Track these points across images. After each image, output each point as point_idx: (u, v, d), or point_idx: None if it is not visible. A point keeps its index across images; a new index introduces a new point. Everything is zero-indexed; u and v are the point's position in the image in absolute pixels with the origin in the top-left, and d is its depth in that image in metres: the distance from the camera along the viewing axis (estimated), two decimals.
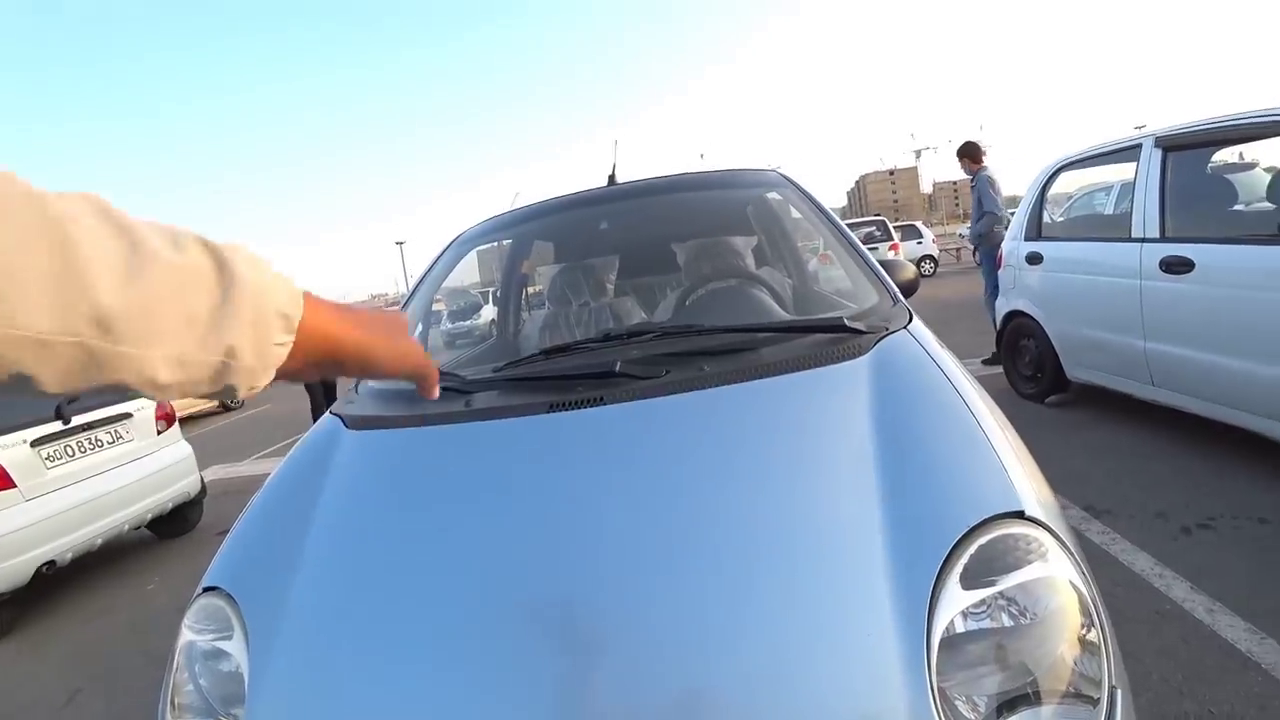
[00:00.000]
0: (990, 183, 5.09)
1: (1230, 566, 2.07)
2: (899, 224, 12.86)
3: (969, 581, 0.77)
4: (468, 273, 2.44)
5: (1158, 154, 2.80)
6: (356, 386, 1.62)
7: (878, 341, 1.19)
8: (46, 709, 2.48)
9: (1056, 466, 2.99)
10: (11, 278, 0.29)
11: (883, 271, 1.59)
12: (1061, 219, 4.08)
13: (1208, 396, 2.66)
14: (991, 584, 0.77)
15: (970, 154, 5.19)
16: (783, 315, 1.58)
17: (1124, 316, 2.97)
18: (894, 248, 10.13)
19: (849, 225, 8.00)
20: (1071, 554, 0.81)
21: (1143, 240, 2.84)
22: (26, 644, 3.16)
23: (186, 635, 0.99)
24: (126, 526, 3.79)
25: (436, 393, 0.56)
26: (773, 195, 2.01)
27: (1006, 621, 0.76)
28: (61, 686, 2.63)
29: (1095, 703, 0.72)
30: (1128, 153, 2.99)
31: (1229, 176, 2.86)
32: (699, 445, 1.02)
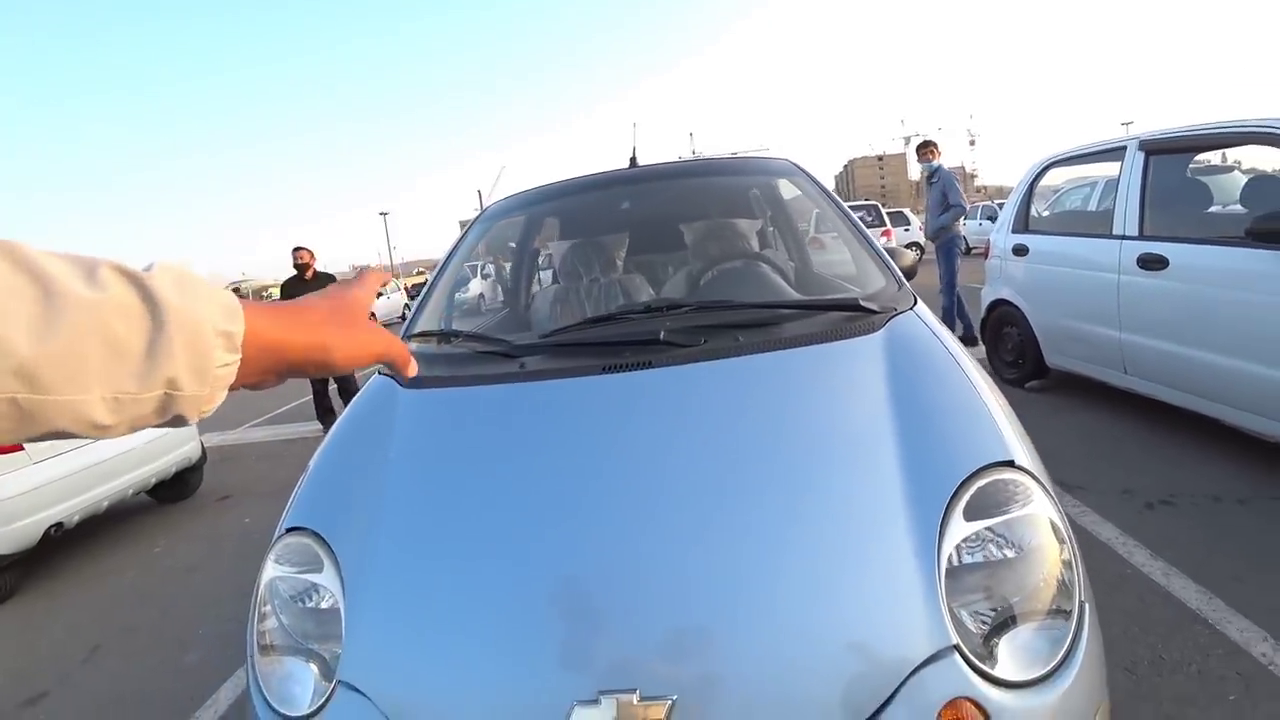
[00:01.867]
0: (954, 177, 5.35)
1: (1186, 537, 2.29)
2: (888, 210, 12.98)
3: (971, 515, 0.92)
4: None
5: (1140, 156, 2.97)
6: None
7: (889, 320, 1.33)
8: (67, 663, 2.56)
9: (1034, 445, 3.20)
10: None
11: (889, 257, 1.72)
12: (1047, 212, 4.26)
13: (1176, 386, 2.87)
14: (989, 518, 0.92)
15: (932, 146, 5.44)
16: (794, 295, 1.72)
17: (1102, 309, 3.17)
18: (887, 233, 9.98)
19: (853, 206, 8.10)
20: (1052, 497, 0.97)
21: (1122, 237, 3.02)
22: (40, 603, 3.22)
23: (274, 571, 1.07)
24: (131, 490, 3.84)
25: (412, 370, 0.54)
26: (784, 182, 2.12)
27: (999, 553, 0.92)
28: (78, 643, 2.71)
29: (1068, 615, 0.89)
30: (1113, 154, 3.16)
31: (1206, 179, 3.04)
32: (741, 404, 1.16)
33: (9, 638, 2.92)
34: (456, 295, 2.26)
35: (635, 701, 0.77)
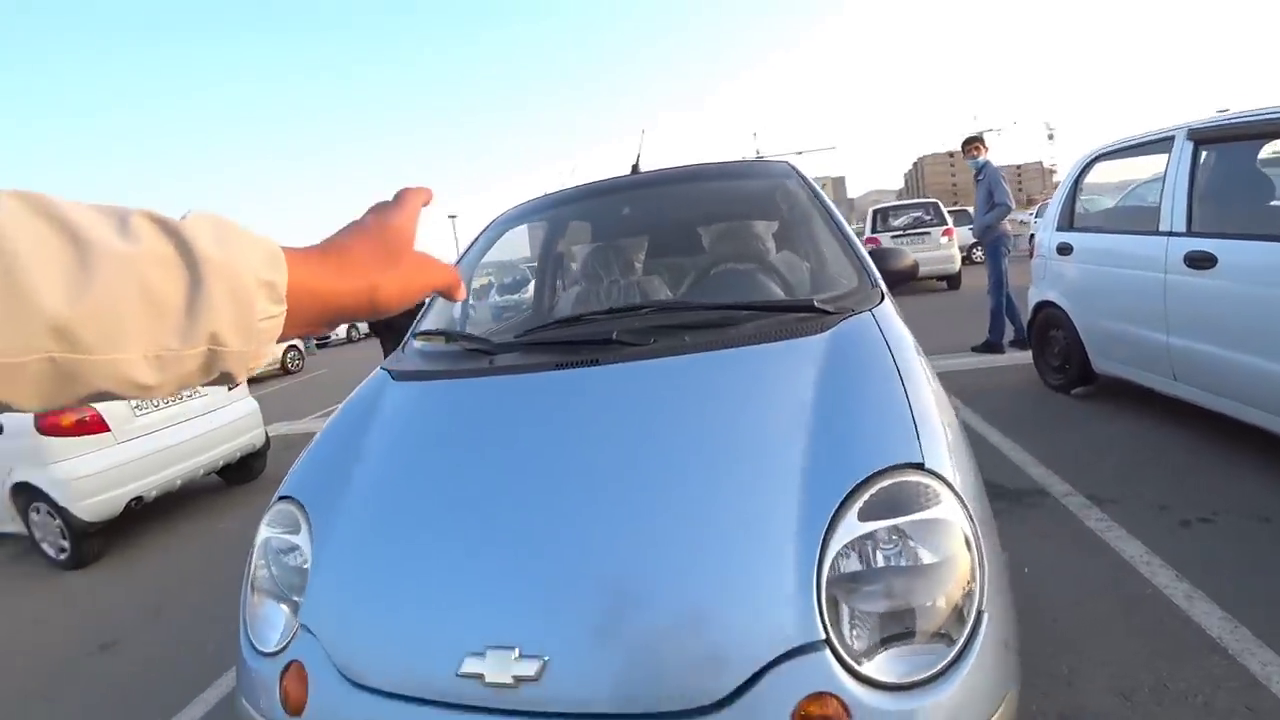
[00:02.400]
0: (1001, 174, 5.08)
1: (1221, 559, 2.12)
2: (954, 208, 12.27)
3: (866, 515, 0.92)
4: (517, 249, 2.71)
5: (1189, 146, 2.74)
6: (403, 347, 1.87)
7: (842, 321, 1.34)
8: (139, 617, 2.92)
9: (1070, 455, 3.02)
10: None
11: (867, 258, 1.71)
12: (1103, 210, 3.98)
13: (1227, 394, 2.64)
14: (885, 519, 0.92)
15: (977, 142, 5.21)
16: (776, 294, 1.73)
17: (1148, 310, 2.94)
18: (948, 233, 9.51)
19: (902, 205, 7.91)
20: (962, 503, 0.95)
21: (1169, 234, 2.80)
22: (119, 567, 3.65)
23: (264, 533, 1.26)
24: (202, 471, 4.26)
25: (463, 293, 0.51)
26: (780, 185, 2.13)
27: (895, 555, 0.91)
28: (150, 602, 3.07)
29: (961, 624, 0.87)
30: (1160, 144, 2.93)
31: (1268, 171, 2.77)
32: (672, 401, 1.22)
33: (91, 593, 3.35)
34: (504, 297, 2.41)
35: (514, 657, 0.88)
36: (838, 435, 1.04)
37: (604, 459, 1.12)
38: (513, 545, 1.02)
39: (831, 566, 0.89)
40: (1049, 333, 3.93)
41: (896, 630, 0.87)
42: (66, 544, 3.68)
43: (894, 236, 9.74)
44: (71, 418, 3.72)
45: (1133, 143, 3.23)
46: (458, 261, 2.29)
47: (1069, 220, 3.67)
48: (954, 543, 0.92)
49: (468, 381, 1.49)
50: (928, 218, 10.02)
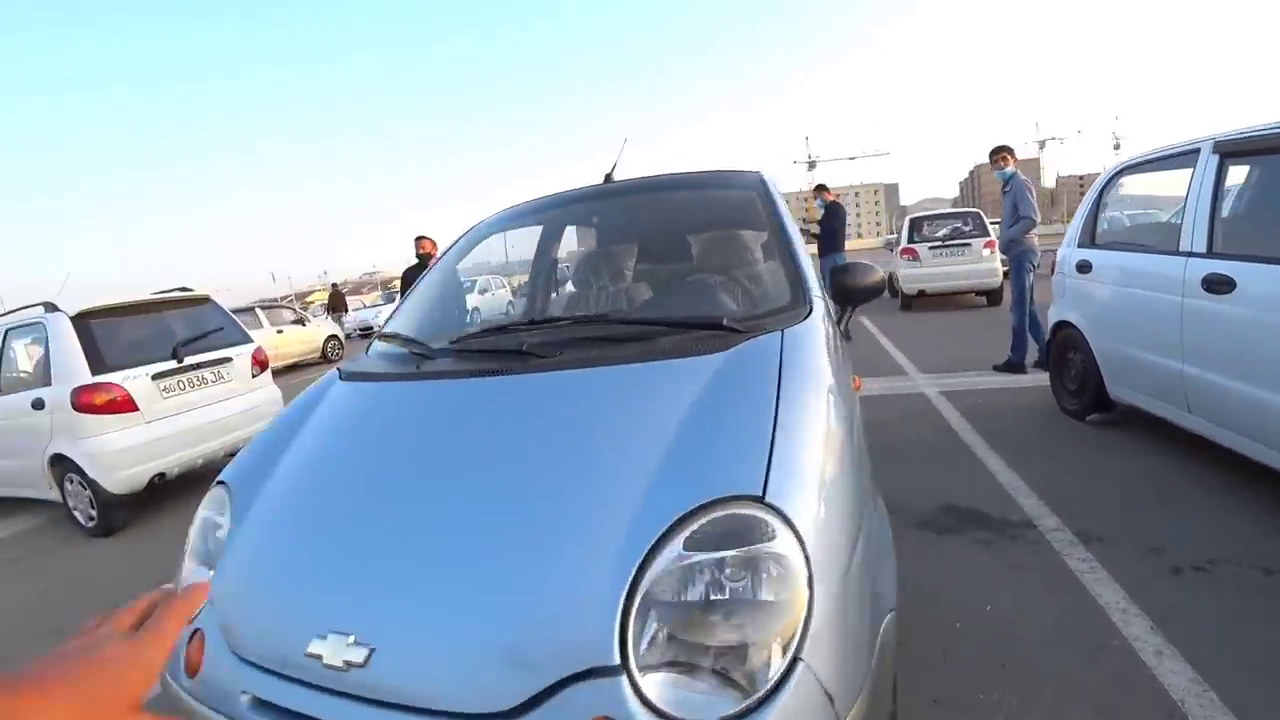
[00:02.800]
0: (1029, 186, 4.79)
1: (1205, 612, 1.94)
2: (997, 220, 11.18)
3: (693, 544, 0.89)
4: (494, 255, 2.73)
5: (1214, 160, 2.51)
6: (368, 349, 1.94)
7: (746, 340, 1.30)
8: (157, 581, 3.10)
9: (1068, 487, 2.84)
10: None
11: (807, 274, 1.64)
12: (1124, 227, 3.70)
13: (1242, 430, 2.42)
14: (710, 551, 0.88)
15: (1005, 152, 4.97)
16: (705, 309, 1.69)
17: (1164, 336, 2.72)
18: (990, 245, 8.93)
19: (941, 215, 7.47)
20: (802, 545, 0.89)
21: (1189, 254, 2.58)
22: (142, 536, 3.92)
23: (202, 512, 1.37)
24: (223, 452, 4.51)
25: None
26: (740, 197, 2.08)
27: (716, 590, 0.87)
28: (167, 568, 3.26)
29: (767, 666, 0.82)
30: (1185, 158, 2.69)
31: None
32: (556, 411, 1.24)
33: (116, 560, 3.62)
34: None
35: (349, 643, 0.93)
36: (688, 459, 1.01)
37: (478, 467, 1.16)
38: (375, 541, 1.08)
39: (646, 593, 0.86)
40: (1066, 354, 3.69)
41: (699, 664, 0.83)
42: (95, 513, 3.98)
43: (932, 248, 9.33)
44: (104, 397, 4.00)
45: (1158, 155, 2.98)
46: (434, 264, 2.34)
47: (1090, 236, 3.43)
48: (780, 584, 0.87)
49: (395, 385, 1.55)
50: (968, 228, 9.40)
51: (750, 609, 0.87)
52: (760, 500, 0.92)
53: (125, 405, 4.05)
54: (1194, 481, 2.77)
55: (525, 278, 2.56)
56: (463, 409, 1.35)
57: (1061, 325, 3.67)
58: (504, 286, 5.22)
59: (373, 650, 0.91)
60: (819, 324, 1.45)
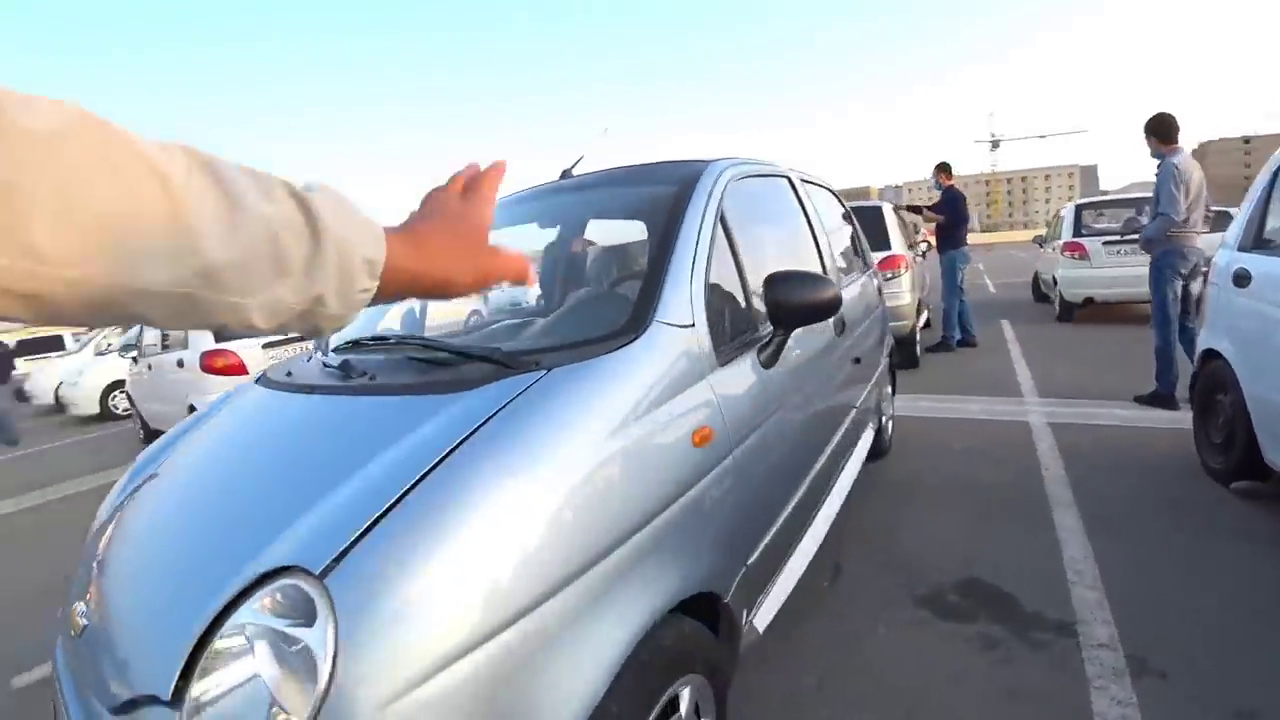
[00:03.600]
0: (1175, 173, 3.62)
1: None
2: (1219, 208, 8.18)
3: (267, 605, 0.83)
4: None
5: None
6: (320, 347, 1.99)
7: (494, 381, 1.11)
8: None
9: (1157, 584, 2.10)
10: (129, 236, 0.31)
11: (669, 292, 1.33)
12: None
13: None
14: (271, 618, 0.82)
15: (1159, 131, 3.80)
16: (562, 331, 1.47)
17: None
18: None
19: (1112, 202, 5.96)
20: (335, 622, 0.77)
21: None
22: None
23: (115, 487, 1.55)
24: None
25: (533, 280, 0.58)
26: (667, 194, 1.74)
27: (267, 660, 0.79)
28: None
29: None
30: None
31: None
32: (303, 439, 1.23)
33: None
34: None
35: (74, 616, 1.11)
36: (316, 514, 0.91)
37: (217, 483, 1.21)
38: (128, 550, 1.17)
39: (212, 646, 0.83)
40: (1215, 396, 2.74)
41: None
42: None
43: (1108, 244, 7.42)
44: (222, 361, 4.90)
45: None
46: None
47: (1253, 238, 2.48)
48: (308, 670, 0.77)
49: (267, 392, 1.56)
50: (1147, 221, 7.11)
51: (278, 684, 0.79)
52: (310, 574, 0.82)
53: (238, 368, 4.89)
54: None
55: None
56: (267, 425, 1.37)
57: (1210, 355, 2.74)
58: None
59: (86, 625, 1.07)
60: (635, 355, 1.17)
